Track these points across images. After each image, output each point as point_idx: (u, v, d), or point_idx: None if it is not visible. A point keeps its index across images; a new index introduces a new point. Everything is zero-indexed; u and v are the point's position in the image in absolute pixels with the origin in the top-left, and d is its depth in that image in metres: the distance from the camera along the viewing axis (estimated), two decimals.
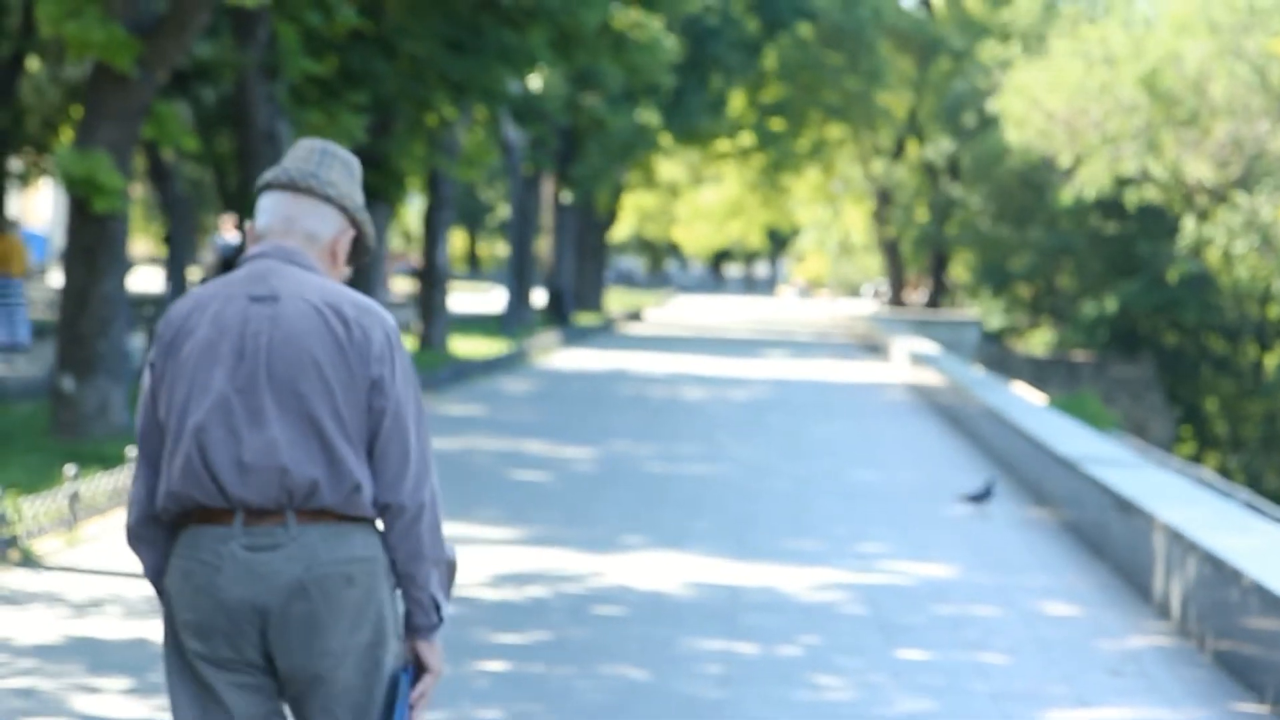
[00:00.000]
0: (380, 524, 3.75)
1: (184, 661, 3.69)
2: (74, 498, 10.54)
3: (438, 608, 3.76)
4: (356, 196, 3.85)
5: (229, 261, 21.98)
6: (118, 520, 11.18)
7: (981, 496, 13.04)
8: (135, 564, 9.66)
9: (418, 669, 3.78)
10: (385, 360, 3.69)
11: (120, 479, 11.36)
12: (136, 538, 3.80)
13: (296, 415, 3.64)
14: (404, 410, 3.70)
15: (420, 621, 3.76)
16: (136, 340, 18.93)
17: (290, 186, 3.80)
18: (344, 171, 3.84)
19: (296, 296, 3.69)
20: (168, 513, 3.71)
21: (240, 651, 3.64)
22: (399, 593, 3.79)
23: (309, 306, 3.69)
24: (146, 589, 9.08)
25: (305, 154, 3.83)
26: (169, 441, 3.69)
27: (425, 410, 3.80)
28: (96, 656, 7.61)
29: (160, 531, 3.77)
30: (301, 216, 3.80)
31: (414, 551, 3.71)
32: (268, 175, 3.84)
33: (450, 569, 3.79)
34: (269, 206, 3.82)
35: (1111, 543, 11.04)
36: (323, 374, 3.65)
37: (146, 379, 3.77)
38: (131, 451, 12.07)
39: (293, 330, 3.67)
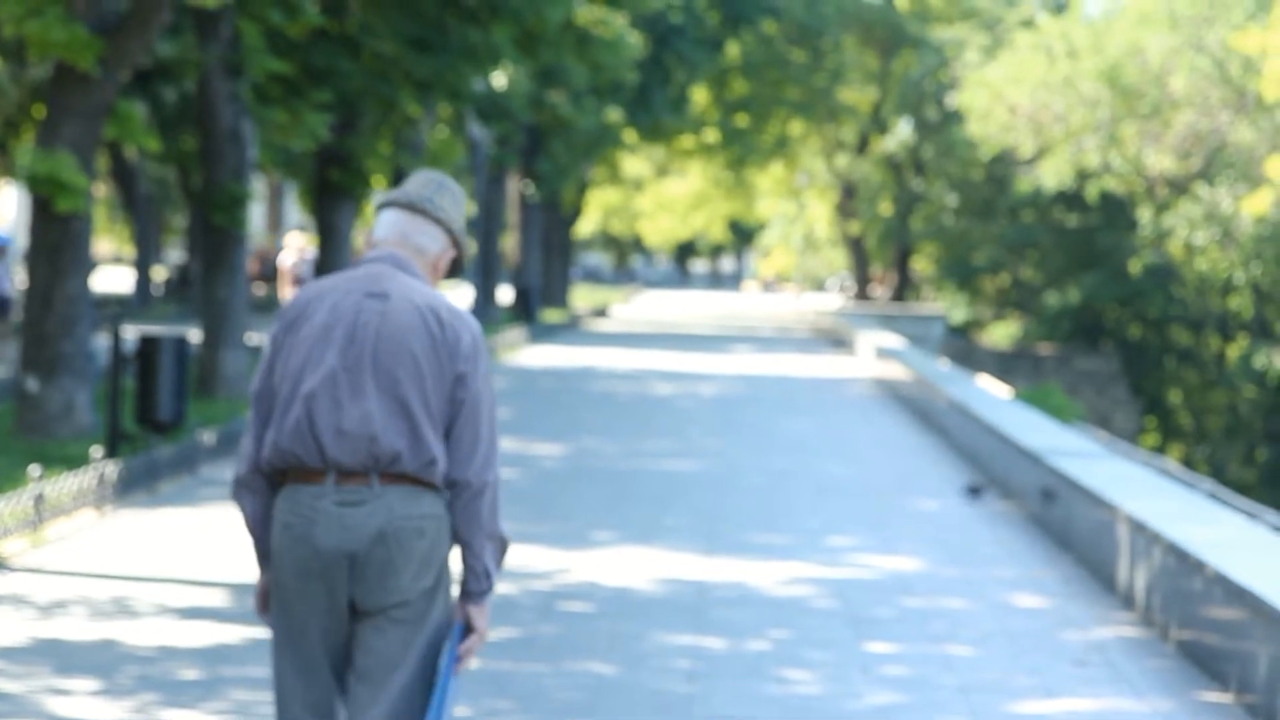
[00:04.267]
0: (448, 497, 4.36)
1: (282, 599, 4.34)
2: (39, 499, 10.50)
3: (488, 576, 4.38)
4: (461, 223, 4.50)
5: (271, 275, 21.81)
6: (83, 521, 11.15)
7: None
8: (102, 565, 9.66)
9: (466, 628, 4.37)
10: (470, 359, 4.37)
11: (85, 480, 11.32)
12: (243, 486, 4.42)
13: (390, 395, 4.31)
14: (480, 403, 4.37)
15: (472, 586, 4.39)
16: (101, 340, 18.85)
17: (409, 207, 4.49)
18: (453, 201, 4.52)
19: (403, 298, 4.37)
20: (270, 465, 4.36)
21: (331, 593, 4.30)
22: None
23: (413, 307, 4.37)
24: (113, 590, 9.06)
25: (424, 181, 4.52)
26: (280, 404, 4.35)
27: (497, 406, 4.44)
28: (63, 658, 7.59)
29: (263, 482, 4.40)
30: (414, 233, 4.50)
31: (474, 523, 4.36)
32: (390, 195, 4.50)
33: (503, 545, 4.42)
34: (388, 221, 4.50)
35: (1077, 534, 11.09)
36: (417, 364, 4.32)
37: (267, 349, 4.43)
38: (96, 452, 12.04)
39: (397, 325, 4.34)
